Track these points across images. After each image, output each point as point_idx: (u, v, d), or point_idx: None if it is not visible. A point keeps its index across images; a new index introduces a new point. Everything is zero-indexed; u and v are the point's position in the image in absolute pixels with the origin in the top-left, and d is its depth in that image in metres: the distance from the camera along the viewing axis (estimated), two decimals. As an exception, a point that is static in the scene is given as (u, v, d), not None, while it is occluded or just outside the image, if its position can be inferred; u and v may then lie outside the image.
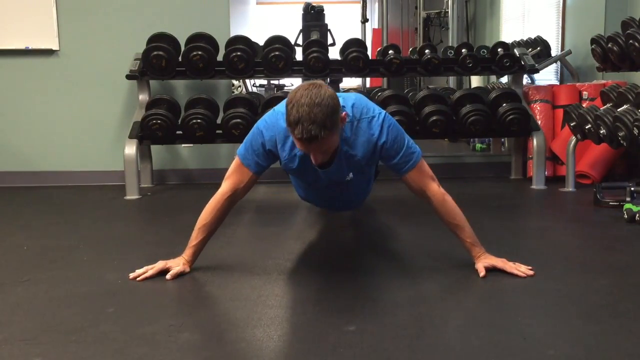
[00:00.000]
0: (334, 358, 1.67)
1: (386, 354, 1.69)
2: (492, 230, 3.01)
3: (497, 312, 2.01)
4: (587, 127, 3.86)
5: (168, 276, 2.32)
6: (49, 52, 4.68)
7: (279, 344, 1.80)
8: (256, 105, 4.36)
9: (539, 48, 5.43)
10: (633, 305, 2.03)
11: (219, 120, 4.27)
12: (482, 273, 2.30)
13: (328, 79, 4.82)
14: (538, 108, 4.66)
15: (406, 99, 4.46)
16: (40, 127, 4.75)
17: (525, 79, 5.17)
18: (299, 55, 4.87)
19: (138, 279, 2.32)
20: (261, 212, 3.79)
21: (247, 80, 7.62)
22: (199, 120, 4.15)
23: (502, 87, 5.12)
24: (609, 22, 4.62)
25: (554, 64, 5.58)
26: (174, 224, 3.35)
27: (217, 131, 4.25)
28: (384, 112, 2.32)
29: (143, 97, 4.48)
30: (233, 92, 5.82)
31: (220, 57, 4.42)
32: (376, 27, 9.67)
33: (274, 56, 4.40)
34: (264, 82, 8.08)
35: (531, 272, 2.31)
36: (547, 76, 5.79)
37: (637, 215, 3.10)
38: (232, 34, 4.68)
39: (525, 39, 5.73)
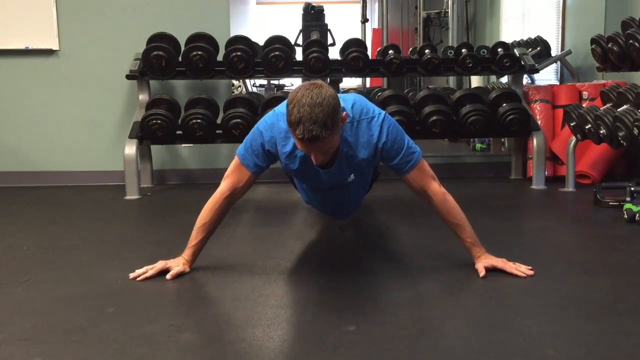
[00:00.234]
0: (334, 358, 1.68)
1: (386, 354, 1.69)
2: (492, 230, 3.01)
3: (497, 312, 2.01)
4: (587, 127, 3.86)
5: (168, 276, 2.32)
6: (49, 52, 4.68)
7: (279, 344, 1.80)
8: (256, 105, 4.36)
9: (539, 48, 5.43)
10: (633, 305, 2.03)
11: (219, 120, 4.28)
12: (482, 273, 2.30)
13: (328, 79, 4.82)
14: (538, 108, 4.66)
15: (406, 99, 4.46)
16: (40, 127, 4.75)
17: (525, 79, 5.17)
18: (299, 55, 4.87)
19: (138, 279, 2.32)
20: (261, 212, 3.79)
21: (247, 80, 7.62)
22: (199, 120, 4.15)
23: (502, 87, 5.12)
24: (609, 22, 4.62)
25: (554, 64, 5.58)
26: (174, 224, 3.35)
27: (217, 131, 4.25)
28: (383, 112, 2.32)
29: (143, 97, 4.48)
30: (233, 92, 5.82)
31: (220, 57, 4.42)
32: (376, 27, 9.67)
33: (274, 56, 4.40)
34: (264, 82, 8.08)
35: (531, 272, 2.31)
36: (547, 76, 5.79)
37: (637, 215, 3.10)
38: (232, 34, 4.68)
39: (525, 39, 5.73)
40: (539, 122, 4.50)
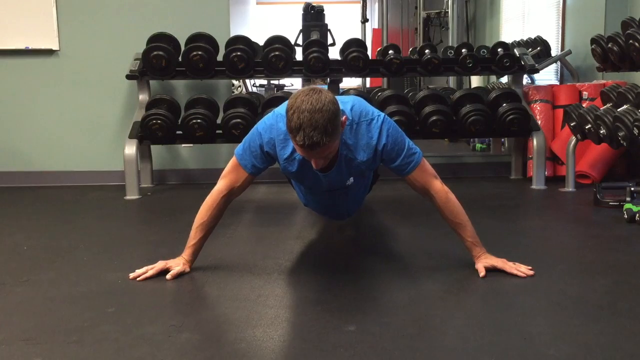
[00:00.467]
0: (334, 358, 1.68)
1: (386, 354, 1.69)
2: (492, 230, 3.01)
3: (497, 312, 2.01)
4: (587, 127, 3.86)
5: (168, 276, 2.32)
6: (49, 52, 4.69)
7: (279, 344, 1.80)
8: (256, 105, 4.36)
9: (539, 48, 5.43)
10: (633, 305, 2.03)
11: (219, 120, 4.28)
12: (482, 273, 2.30)
13: (328, 79, 4.82)
14: (538, 108, 4.66)
15: (406, 99, 4.46)
16: (40, 127, 4.76)
17: (525, 79, 5.17)
18: (299, 55, 4.87)
19: (138, 279, 2.33)
20: (261, 212, 3.79)
21: (247, 80, 7.63)
22: (199, 120, 4.15)
23: (502, 87, 5.12)
24: (609, 22, 4.62)
25: (554, 64, 5.58)
26: (174, 224, 3.35)
27: (217, 131, 4.25)
28: (382, 114, 2.31)
29: (143, 97, 4.48)
30: (233, 92, 5.82)
31: (220, 57, 4.42)
32: (376, 27, 9.67)
33: (274, 56, 4.40)
34: (264, 82, 8.09)
35: (531, 272, 2.31)
36: (547, 76, 5.79)
37: (637, 215, 3.11)
38: (232, 34, 4.68)
39: (525, 39, 5.73)
40: (539, 122, 4.50)
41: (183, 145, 4.69)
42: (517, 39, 5.87)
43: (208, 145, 4.54)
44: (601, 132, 3.69)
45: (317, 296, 2.18)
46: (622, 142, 3.52)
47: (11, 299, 2.20)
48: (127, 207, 3.98)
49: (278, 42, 4.54)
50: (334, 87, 4.74)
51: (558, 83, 5.54)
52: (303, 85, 6.85)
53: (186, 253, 2.41)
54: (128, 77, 4.42)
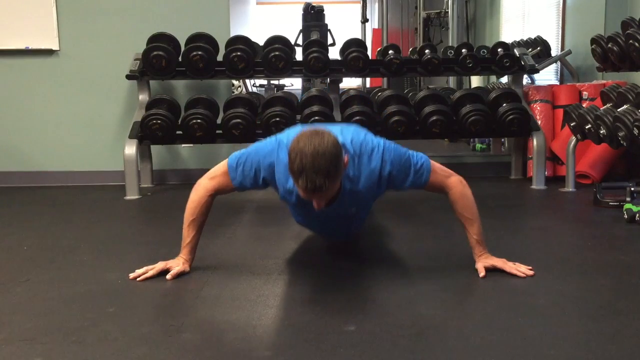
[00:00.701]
0: (334, 358, 1.68)
1: (386, 354, 1.69)
2: (492, 230, 3.01)
3: (497, 312, 2.01)
4: (587, 127, 3.85)
5: (168, 276, 2.33)
6: (49, 52, 4.68)
7: (279, 344, 1.80)
8: (256, 105, 4.36)
9: (539, 48, 5.43)
10: (633, 305, 2.03)
11: (219, 120, 4.28)
12: (481, 273, 2.30)
13: (328, 79, 4.82)
14: (538, 108, 4.66)
15: (406, 99, 4.47)
16: (40, 127, 4.76)
17: (525, 79, 5.17)
18: (299, 55, 4.87)
19: (138, 279, 2.33)
20: (261, 212, 3.79)
21: (247, 80, 7.63)
22: (199, 120, 4.15)
23: (502, 87, 5.12)
24: (609, 22, 4.62)
25: (554, 64, 5.58)
26: (174, 224, 3.34)
27: (217, 131, 4.25)
28: (381, 141, 2.27)
29: (143, 97, 4.48)
30: (233, 92, 5.82)
31: (220, 57, 4.42)
32: (376, 27, 9.67)
33: (274, 56, 4.40)
34: (264, 82, 8.09)
35: (531, 272, 2.31)
36: (547, 76, 5.79)
37: (637, 215, 3.11)
38: (232, 34, 4.68)
39: (525, 39, 5.73)
40: (539, 122, 4.50)
41: (183, 145, 4.69)
42: (517, 39, 5.87)
43: (208, 145, 4.53)
44: (601, 132, 3.69)
45: (317, 296, 2.18)
46: (622, 142, 3.52)
47: (11, 299, 2.20)
48: (127, 207, 3.98)
49: (278, 42, 4.54)
50: (334, 88, 4.74)
51: (558, 83, 5.54)
52: (303, 85, 6.87)
53: (184, 252, 2.41)
54: (128, 77, 4.42)
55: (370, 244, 3.00)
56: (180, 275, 2.36)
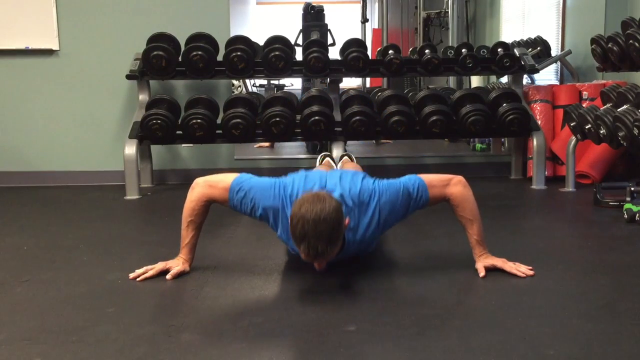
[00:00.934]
0: (334, 358, 1.68)
1: (386, 354, 1.69)
2: (492, 230, 3.01)
3: (497, 312, 2.01)
4: (587, 127, 3.85)
5: (168, 276, 2.33)
6: (49, 52, 4.68)
7: (279, 344, 1.80)
8: (256, 105, 4.36)
9: (539, 48, 5.43)
10: (633, 305, 2.03)
11: (219, 120, 4.27)
12: (482, 273, 2.30)
13: (328, 79, 4.82)
14: (538, 108, 4.66)
15: (406, 99, 4.46)
16: (40, 127, 4.75)
17: (525, 79, 5.16)
18: (299, 55, 4.87)
19: (138, 279, 2.33)
20: (261, 212, 3.78)
21: (247, 80, 7.62)
22: (199, 120, 4.15)
23: (502, 87, 5.12)
24: (609, 22, 4.62)
25: (554, 64, 5.58)
26: (174, 224, 3.33)
27: (217, 131, 4.25)
28: (375, 187, 2.29)
29: (143, 97, 4.48)
30: (233, 92, 5.82)
31: (220, 57, 4.42)
32: (376, 27, 9.67)
33: (274, 56, 4.40)
34: (264, 82, 8.08)
35: (531, 272, 2.31)
36: (547, 76, 5.79)
37: (637, 215, 3.11)
38: (232, 34, 4.68)
39: (525, 39, 5.73)
40: (539, 122, 4.50)
41: (183, 145, 4.69)
42: (517, 39, 5.86)
43: (208, 145, 4.54)
44: (601, 132, 3.69)
45: (317, 296, 2.18)
46: (622, 142, 3.52)
47: (11, 299, 2.20)
48: (127, 207, 3.98)
49: (278, 42, 4.54)
50: (334, 87, 4.74)
51: (558, 83, 5.54)
52: (303, 85, 6.86)
53: (183, 252, 2.41)
54: (128, 77, 4.41)
55: (370, 244, 2.99)
56: (180, 275, 2.36)
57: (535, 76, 5.44)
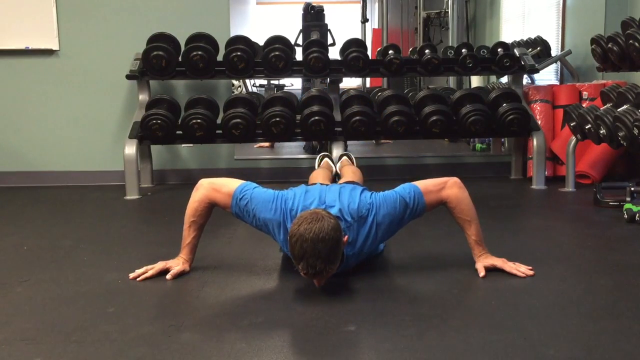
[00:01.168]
0: (334, 358, 1.68)
1: (386, 354, 1.69)
2: (492, 230, 3.01)
3: (497, 312, 2.01)
4: (587, 127, 3.85)
5: (168, 276, 2.33)
6: (49, 52, 4.68)
7: (279, 343, 1.80)
8: (256, 105, 4.36)
9: (539, 48, 5.42)
10: (633, 305, 2.03)
11: (219, 120, 4.27)
12: (481, 273, 2.30)
13: (328, 79, 4.82)
14: (538, 108, 4.66)
15: (406, 99, 4.46)
16: (40, 127, 4.75)
17: (525, 79, 5.16)
18: (299, 55, 4.87)
19: (138, 279, 2.33)
20: (261, 212, 3.78)
21: (247, 80, 7.62)
22: (199, 120, 4.15)
23: (502, 87, 5.12)
24: (609, 22, 4.62)
25: (554, 64, 5.58)
26: (174, 224, 3.34)
27: (217, 131, 4.25)
28: (372, 201, 2.29)
29: (143, 97, 4.48)
30: (233, 92, 5.82)
31: (220, 57, 4.42)
32: (376, 27, 9.67)
33: (274, 56, 4.40)
34: (264, 82, 8.08)
35: (531, 272, 2.31)
36: (547, 76, 5.79)
37: (637, 215, 3.11)
38: (232, 34, 4.68)
39: (525, 39, 5.73)
40: (539, 122, 4.50)
41: (183, 145, 4.69)
42: (517, 39, 5.86)
43: (208, 145, 4.54)
44: (601, 132, 3.69)
45: (317, 296, 2.18)
46: (622, 142, 3.52)
47: (11, 299, 2.20)
48: (127, 207, 3.98)
49: (278, 42, 4.54)
50: (334, 87, 4.74)
51: (558, 83, 5.54)
52: (303, 85, 6.86)
53: (184, 252, 2.41)
54: (128, 77, 4.41)
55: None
56: (180, 275, 2.36)
57: (535, 76, 5.44)
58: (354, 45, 4.69)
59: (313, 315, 1.98)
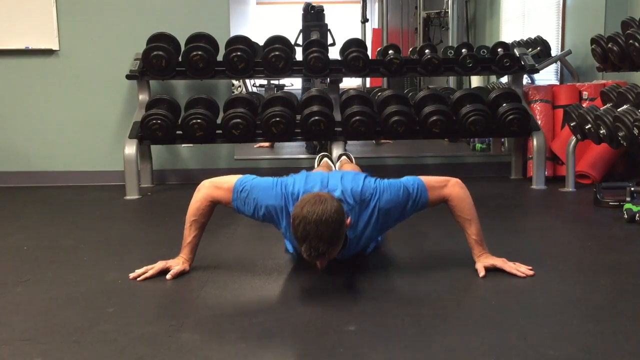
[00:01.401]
0: (334, 358, 1.68)
1: (386, 354, 1.69)
2: (492, 230, 3.00)
3: (497, 312, 2.01)
4: (587, 127, 3.86)
5: (168, 276, 2.33)
6: (49, 52, 4.68)
7: (279, 344, 1.80)
8: (256, 105, 4.36)
9: (539, 48, 5.42)
10: (633, 305, 2.03)
11: (219, 120, 4.27)
12: (481, 273, 2.30)
13: (328, 79, 4.82)
14: (538, 108, 4.66)
15: (406, 99, 4.46)
16: (40, 127, 4.76)
17: (525, 79, 5.16)
18: (299, 55, 4.87)
19: (138, 279, 2.33)
20: (261, 212, 3.78)
21: (247, 80, 7.62)
22: (199, 120, 4.15)
23: (502, 87, 5.12)
24: (609, 22, 4.62)
25: (554, 64, 5.58)
26: (174, 224, 3.34)
27: (217, 131, 4.25)
28: (375, 186, 2.30)
29: (143, 97, 4.48)
30: (233, 92, 5.82)
31: (220, 57, 4.42)
32: (376, 27, 9.67)
33: (274, 56, 4.40)
34: (264, 82, 8.08)
35: (531, 272, 2.31)
36: (547, 76, 5.79)
37: (637, 215, 3.10)
38: (232, 34, 4.68)
39: (525, 39, 5.73)
40: (539, 122, 4.50)
41: (183, 145, 4.69)
42: (517, 39, 5.86)
43: (208, 145, 4.54)
44: (601, 132, 3.69)
45: (317, 296, 2.18)
46: (622, 142, 3.52)
47: (11, 299, 2.20)
48: (127, 207, 3.98)
49: (278, 42, 4.54)
50: (334, 87, 4.74)
51: (558, 83, 5.54)
52: (303, 85, 6.86)
53: (184, 252, 2.41)
54: (128, 77, 4.42)
55: (370, 244, 2.99)
56: (180, 274, 2.36)
57: (535, 76, 5.44)
58: (354, 45, 4.69)
59: (313, 315, 1.98)
